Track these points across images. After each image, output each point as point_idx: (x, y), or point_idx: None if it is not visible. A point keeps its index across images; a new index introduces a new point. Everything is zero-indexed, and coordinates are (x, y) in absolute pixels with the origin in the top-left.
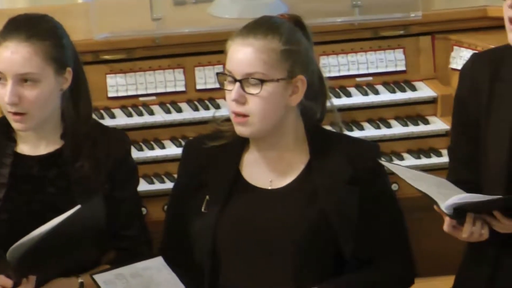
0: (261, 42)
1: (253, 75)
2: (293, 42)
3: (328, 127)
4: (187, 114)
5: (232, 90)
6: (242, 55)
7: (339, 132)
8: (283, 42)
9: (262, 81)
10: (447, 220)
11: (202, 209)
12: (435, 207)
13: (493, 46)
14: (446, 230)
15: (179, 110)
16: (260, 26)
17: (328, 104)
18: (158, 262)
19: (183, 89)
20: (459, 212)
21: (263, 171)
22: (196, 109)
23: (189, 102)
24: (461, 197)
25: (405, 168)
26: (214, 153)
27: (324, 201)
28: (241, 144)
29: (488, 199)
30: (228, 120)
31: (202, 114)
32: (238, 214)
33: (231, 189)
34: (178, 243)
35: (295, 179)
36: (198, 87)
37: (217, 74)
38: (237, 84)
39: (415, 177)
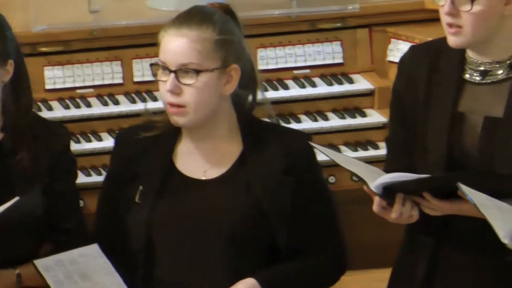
0: (195, 33)
1: (188, 65)
2: (226, 32)
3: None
4: (125, 106)
5: (167, 81)
6: (176, 45)
7: (271, 122)
8: (217, 32)
9: (197, 71)
10: (376, 200)
11: (136, 199)
12: (365, 187)
13: (430, 39)
14: (375, 211)
15: (116, 103)
16: (193, 17)
17: (260, 96)
18: (93, 250)
19: (120, 81)
20: (389, 192)
21: (196, 162)
22: (133, 101)
23: (127, 94)
24: (391, 176)
25: (337, 152)
26: (146, 144)
27: (258, 191)
28: (174, 134)
29: (417, 178)
30: (161, 111)
31: (140, 106)
32: (172, 204)
33: (164, 180)
34: (111, 232)
35: (229, 169)
36: (136, 79)
37: (151, 65)
38: (172, 74)
39: (346, 161)
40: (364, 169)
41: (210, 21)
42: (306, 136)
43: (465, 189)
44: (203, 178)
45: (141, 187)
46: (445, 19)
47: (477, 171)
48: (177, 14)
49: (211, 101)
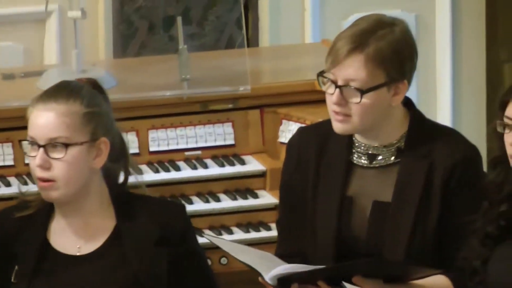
0: (62, 106)
1: (57, 139)
2: (94, 105)
3: None
4: (16, 188)
5: (36, 156)
6: (45, 120)
7: (144, 194)
8: (85, 105)
9: (66, 145)
10: None
11: (12, 280)
12: (259, 278)
13: (321, 120)
14: None
15: (8, 184)
16: (61, 91)
17: (133, 178)
18: None
19: (11, 163)
20: (283, 283)
21: (70, 238)
22: (25, 183)
23: (18, 176)
24: (286, 267)
25: (228, 241)
26: (20, 224)
27: (134, 264)
28: (48, 212)
29: (311, 269)
30: (34, 192)
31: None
32: (48, 283)
33: (39, 259)
34: None
35: (103, 244)
36: (27, 161)
37: (19, 141)
38: (41, 149)
39: (238, 250)
40: (257, 256)
41: (78, 95)
42: (179, 206)
43: (348, 286)
44: (78, 254)
45: (16, 267)
46: (332, 107)
47: (367, 261)
48: (45, 90)
49: (81, 175)
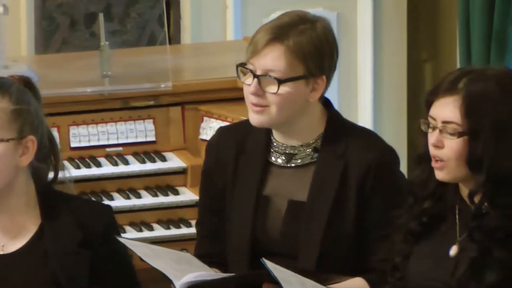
0: None
1: None
2: (23, 102)
3: None
4: None
5: None
6: None
7: (71, 195)
8: (13, 102)
9: None
10: None
11: None
12: (171, 285)
13: (243, 117)
14: None
15: None
16: None
17: (61, 175)
18: None
19: None
20: None
21: None
22: None
23: None
24: (195, 275)
25: (143, 244)
26: None
27: (54, 265)
28: None
29: (220, 277)
30: None
31: None
32: None
33: None
34: None
35: (27, 243)
36: None
37: None
38: None
39: (153, 253)
40: (174, 259)
41: (7, 91)
42: (105, 208)
43: (269, 265)
44: (1, 252)
45: None
46: (249, 98)
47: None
48: None
49: (6, 172)
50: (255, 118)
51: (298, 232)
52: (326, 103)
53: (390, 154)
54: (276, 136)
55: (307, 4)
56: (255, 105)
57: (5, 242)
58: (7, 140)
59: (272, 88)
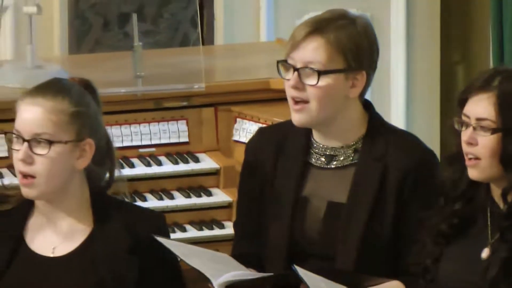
0: (50, 103)
1: (41, 135)
2: (83, 105)
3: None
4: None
5: (20, 150)
6: (31, 114)
7: (124, 200)
8: (73, 104)
9: (50, 142)
10: None
11: None
12: (209, 284)
13: (276, 119)
14: None
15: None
16: (50, 87)
17: (117, 173)
18: None
19: (5, 154)
20: None
21: (46, 238)
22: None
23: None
24: (233, 274)
25: (181, 243)
26: None
27: (103, 270)
28: (27, 209)
29: (258, 277)
30: (16, 186)
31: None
32: (19, 283)
33: (11, 257)
34: None
35: (78, 247)
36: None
37: (5, 133)
38: (25, 144)
39: (190, 253)
40: (211, 259)
41: (67, 93)
42: (156, 216)
43: (300, 271)
44: (51, 255)
45: None
46: (290, 92)
47: (317, 269)
48: (35, 85)
49: (62, 174)
50: (296, 118)
51: (337, 234)
52: (367, 105)
53: (430, 158)
54: (316, 137)
55: (340, 5)
56: (295, 99)
57: (57, 244)
58: (65, 142)
59: (312, 80)
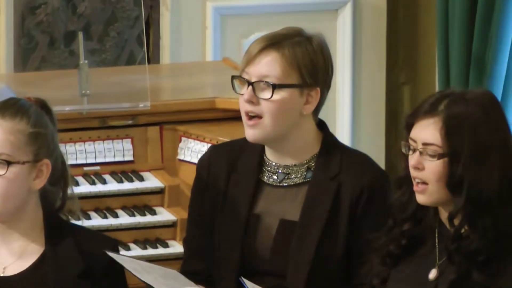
0: (8, 123)
1: None
2: (41, 126)
3: None
4: None
5: None
6: None
7: (77, 225)
8: (31, 125)
9: (8, 163)
10: None
11: None
12: None
13: (221, 138)
14: None
15: None
16: (9, 108)
17: (69, 191)
18: None
19: None
20: None
21: None
22: None
23: None
24: None
25: (132, 259)
26: None
27: None
28: None
29: None
30: None
31: None
32: None
33: None
34: None
35: (29, 268)
36: None
37: None
38: None
39: (142, 269)
40: (161, 274)
41: (26, 113)
42: (108, 240)
43: (247, 283)
44: (2, 275)
45: None
46: (244, 107)
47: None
48: None
49: (19, 194)
50: (250, 133)
51: (288, 251)
52: (321, 124)
53: (383, 178)
54: (269, 155)
55: (286, 26)
56: (250, 114)
57: (7, 264)
58: (23, 163)
59: (267, 94)
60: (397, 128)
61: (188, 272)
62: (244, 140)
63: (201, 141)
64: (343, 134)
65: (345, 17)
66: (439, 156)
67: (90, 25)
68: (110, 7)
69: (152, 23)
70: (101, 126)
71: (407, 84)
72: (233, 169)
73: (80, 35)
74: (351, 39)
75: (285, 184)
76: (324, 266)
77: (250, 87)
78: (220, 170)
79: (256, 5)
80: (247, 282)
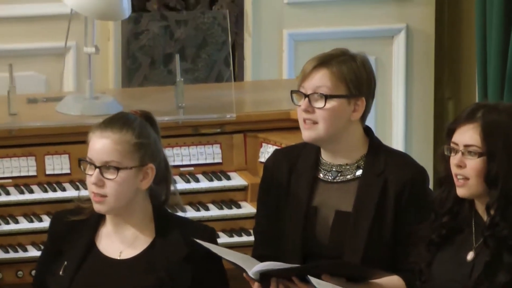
0: (116, 135)
1: (110, 163)
2: (144, 136)
3: None
4: (37, 195)
5: (92, 175)
6: (101, 145)
7: (181, 216)
8: (136, 136)
9: (117, 168)
10: (255, 285)
11: (60, 273)
12: (244, 274)
13: (294, 144)
14: None
15: (31, 191)
16: (117, 121)
17: (172, 188)
18: None
19: (34, 173)
20: (264, 278)
21: (114, 243)
22: (45, 190)
23: (40, 184)
24: (265, 264)
25: (218, 247)
26: (74, 226)
27: (161, 272)
28: (98, 219)
29: (287, 267)
30: (89, 199)
31: (50, 195)
32: (89, 280)
33: (84, 258)
34: None
35: (141, 252)
36: (47, 172)
37: (80, 160)
38: (97, 170)
39: (225, 252)
40: (239, 257)
41: (131, 126)
42: (208, 229)
43: (313, 280)
44: (119, 258)
45: (65, 263)
46: (302, 115)
47: (332, 262)
48: (105, 119)
49: (128, 194)
50: (306, 134)
51: (344, 238)
52: (367, 130)
53: (422, 173)
54: (325, 156)
55: (350, 49)
56: (306, 121)
57: (123, 249)
58: (130, 168)
59: (320, 103)
60: (443, 137)
61: (256, 257)
62: (302, 145)
63: (278, 146)
64: (397, 143)
65: (400, 42)
66: (479, 155)
67: (185, 48)
68: (202, 33)
69: (237, 47)
70: (194, 133)
71: (451, 99)
72: (293, 169)
73: (177, 57)
74: (404, 60)
75: (338, 180)
76: (375, 250)
77: (307, 98)
78: (282, 171)
79: (324, 32)
80: (313, 280)
